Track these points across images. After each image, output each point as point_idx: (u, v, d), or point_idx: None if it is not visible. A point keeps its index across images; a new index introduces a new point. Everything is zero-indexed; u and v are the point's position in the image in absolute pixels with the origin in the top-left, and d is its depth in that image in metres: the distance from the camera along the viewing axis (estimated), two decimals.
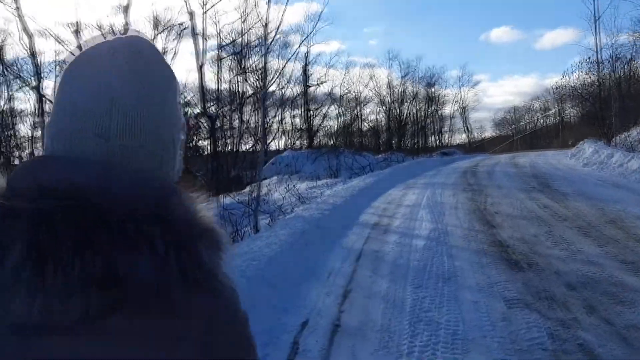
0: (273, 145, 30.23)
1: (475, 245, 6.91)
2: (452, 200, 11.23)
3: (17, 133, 23.61)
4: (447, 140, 45.07)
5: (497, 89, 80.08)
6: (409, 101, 39.40)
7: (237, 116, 25.01)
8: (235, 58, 25.92)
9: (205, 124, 20.59)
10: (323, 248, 7.04)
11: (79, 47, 0.77)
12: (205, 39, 21.82)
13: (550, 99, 47.09)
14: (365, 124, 39.10)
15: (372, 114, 40.03)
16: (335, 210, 9.62)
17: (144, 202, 0.64)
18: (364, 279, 5.69)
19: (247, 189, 13.65)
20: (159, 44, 21.90)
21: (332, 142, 31.68)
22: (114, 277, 0.59)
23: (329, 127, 35.52)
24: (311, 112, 33.32)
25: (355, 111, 37.16)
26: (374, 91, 38.48)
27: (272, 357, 3.86)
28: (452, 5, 79.10)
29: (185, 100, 21.75)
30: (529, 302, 4.61)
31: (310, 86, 32.65)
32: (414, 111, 40.31)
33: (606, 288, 4.88)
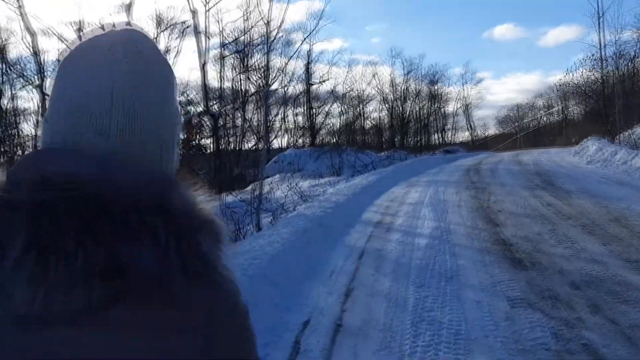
0: (276, 144, 30.24)
1: (478, 243, 6.88)
2: (455, 198, 11.19)
3: (20, 132, 23.66)
4: (450, 138, 45.01)
5: (500, 87, 80.00)
6: (411, 99, 39.36)
7: (239, 114, 25.01)
8: (238, 56, 25.92)
9: (207, 123, 20.59)
10: (325, 246, 7.01)
11: (80, 37, 0.76)
12: (208, 37, 21.85)
13: (554, 97, 47.01)
14: (367, 121, 39.10)
15: (375, 112, 39.98)
16: (337, 209, 9.59)
17: (146, 193, 0.64)
18: (366, 278, 5.66)
19: (250, 187, 13.63)
20: (162, 43, 21.90)
21: (334, 140, 31.64)
22: (116, 268, 0.59)
23: (331, 125, 35.52)
24: (314, 110, 33.31)
25: (358, 109, 37.13)
26: (376, 89, 38.47)
27: (274, 357, 3.84)
28: (455, 3, 79.03)
29: (188, 98, 21.76)
30: (533, 302, 4.58)
31: (312, 84, 32.63)
32: (417, 109, 40.25)
33: (610, 287, 4.84)
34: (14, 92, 23.21)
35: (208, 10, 21.65)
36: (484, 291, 4.95)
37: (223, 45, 25.24)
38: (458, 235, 7.46)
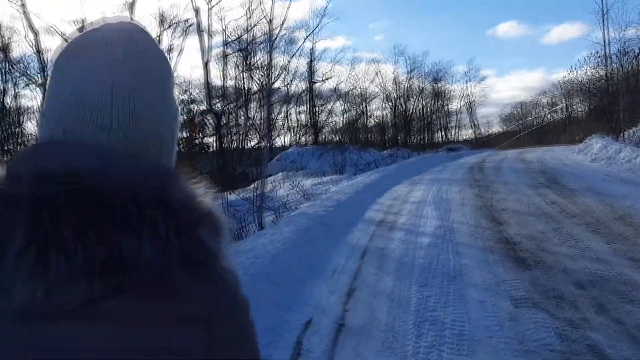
0: (278, 142, 30.20)
1: (482, 242, 6.82)
2: (459, 196, 11.13)
3: (23, 130, 23.67)
4: (453, 136, 44.82)
5: (503, 84, 79.62)
6: (415, 97, 39.21)
7: (242, 113, 24.97)
8: (241, 55, 25.88)
9: (210, 121, 20.56)
10: (327, 245, 6.97)
11: (80, 29, 0.76)
12: (211, 35, 21.80)
13: (558, 94, 46.78)
14: (371, 120, 38.97)
15: (378, 110, 39.92)
16: (340, 207, 9.55)
17: (146, 186, 0.63)
18: (369, 277, 5.62)
19: (253, 185, 13.60)
20: (165, 41, 21.88)
21: (337, 139, 31.58)
22: (117, 262, 0.59)
23: (334, 123, 35.46)
24: (317, 108, 33.26)
25: (361, 107, 37.06)
26: (379, 87, 38.36)
27: (275, 357, 3.81)
28: (458, 0, 78.72)
29: (191, 97, 21.72)
30: (537, 301, 4.53)
31: (315, 82, 32.58)
32: (420, 107, 40.11)
33: (615, 286, 4.79)
34: (17, 90, 23.23)
35: (211, 8, 21.61)
36: (487, 291, 4.90)
37: (226, 44, 25.22)
38: (461, 234, 7.41)
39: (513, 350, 3.66)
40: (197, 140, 20.44)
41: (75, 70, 0.70)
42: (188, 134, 18.84)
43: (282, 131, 31.50)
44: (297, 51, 27.99)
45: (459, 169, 18.06)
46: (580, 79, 32.01)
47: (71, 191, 0.60)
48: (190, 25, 22.00)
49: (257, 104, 25.44)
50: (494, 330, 3.99)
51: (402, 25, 75.62)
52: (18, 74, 22.07)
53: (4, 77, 22.66)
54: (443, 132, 44.12)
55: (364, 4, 73.95)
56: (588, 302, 4.45)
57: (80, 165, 0.62)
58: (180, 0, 38.72)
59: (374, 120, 39.15)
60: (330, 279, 5.58)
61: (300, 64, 30.50)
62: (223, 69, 25.37)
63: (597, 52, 27.53)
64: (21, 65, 21.02)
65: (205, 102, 21.39)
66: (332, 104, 34.23)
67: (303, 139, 32.29)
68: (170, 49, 22.46)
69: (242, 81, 26.36)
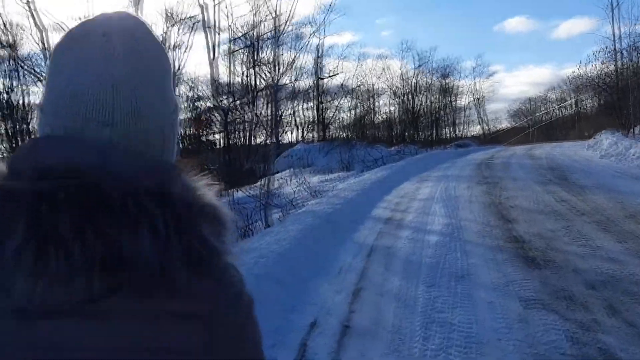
0: (286, 139, 30.12)
1: (490, 241, 6.73)
2: (467, 193, 11.02)
3: (31, 127, 23.75)
4: (461, 132, 44.62)
5: (512, 80, 79.29)
6: (422, 93, 38.99)
7: (249, 109, 24.91)
8: (248, 51, 25.79)
9: (218, 118, 20.53)
10: (334, 243, 6.90)
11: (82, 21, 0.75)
12: (217, 32, 21.73)
13: (567, 90, 46.40)
14: (378, 116, 38.80)
15: (385, 106, 39.70)
16: (347, 205, 9.47)
17: (146, 181, 0.63)
18: (375, 276, 5.55)
19: (260, 182, 13.55)
20: (172, 38, 21.82)
21: (344, 135, 31.47)
22: (116, 259, 0.58)
23: (341, 119, 35.32)
24: (324, 104, 33.13)
25: (368, 103, 36.89)
26: (387, 83, 38.17)
27: (280, 359, 3.74)
28: None
29: (198, 94, 21.70)
30: (547, 302, 4.44)
31: (322, 78, 32.45)
32: (428, 103, 39.88)
33: (627, 287, 4.69)
34: (24, 88, 23.29)
35: (217, 3, 21.54)
36: (496, 291, 4.82)
37: (232, 40, 25.13)
38: (469, 232, 7.31)
39: (522, 353, 3.58)
40: (204, 138, 20.43)
41: (71, 62, 0.69)
42: (195, 131, 18.82)
43: (289, 128, 31.45)
44: (303, 47, 27.89)
45: (467, 166, 17.93)
46: (589, 74, 31.74)
47: (71, 187, 0.59)
48: (197, 22, 21.97)
49: (264, 100, 25.38)
50: (503, 333, 3.90)
51: (410, 20, 75.33)
52: (26, 71, 22.11)
53: (11, 74, 22.72)
54: (451, 128, 43.91)
55: (371, 0, 73.63)
56: (599, 303, 4.36)
57: (80, 160, 0.62)
58: None
59: (382, 117, 39.02)
60: (336, 278, 5.51)
61: (307, 60, 30.41)
62: (229, 65, 25.31)
63: (606, 47, 27.25)
64: (28, 62, 21.04)
65: (212, 99, 21.36)
66: (339, 100, 34.12)
67: (310, 135, 32.21)
68: (176, 46, 22.42)
69: (249, 77, 26.28)
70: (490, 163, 18.47)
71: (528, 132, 45.23)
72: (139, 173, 0.63)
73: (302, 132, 32.84)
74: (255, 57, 25.24)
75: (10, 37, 19.26)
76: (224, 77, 25.13)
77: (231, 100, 22.53)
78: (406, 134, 37.12)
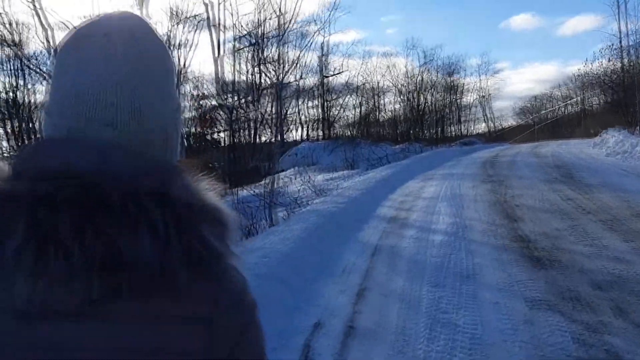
0: (290, 137, 30.11)
1: (496, 240, 6.69)
2: (472, 192, 10.97)
3: (37, 126, 23.82)
4: (466, 130, 44.43)
5: (518, 77, 78.86)
6: (428, 90, 38.86)
7: (253, 107, 24.90)
8: (253, 49, 25.76)
9: (222, 116, 20.53)
10: (338, 242, 6.88)
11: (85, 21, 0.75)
12: (222, 30, 21.70)
13: (572, 87, 46.14)
14: (383, 114, 38.70)
15: (390, 104, 39.59)
16: (351, 203, 9.44)
17: (146, 182, 0.62)
18: (380, 276, 5.52)
19: (264, 181, 13.54)
20: (177, 36, 21.81)
21: (349, 133, 31.40)
22: (116, 260, 0.58)
23: (346, 117, 35.25)
24: (328, 102, 33.08)
25: (373, 101, 36.80)
26: (392, 81, 38.05)
27: None
28: None
29: (203, 92, 21.69)
30: (552, 303, 4.40)
31: (327, 76, 32.38)
32: (433, 101, 39.74)
33: (634, 287, 4.64)
34: (30, 86, 23.34)
35: (222, 2, 21.51)
36: (501, 291, 4.78)
37: (237, 39, 25.11)
38: (474, 231, 7.27)
39: (528, 355, 3.54)
40: (208, 136, 20.43)
41: (74, 62, 0.69)
42: (199, 130, 18.82)
43: (294, 126, 31.43)
44: (308, 44, 27.88)
45: (473, 164, 17.86)
46: (595, 72, 31.56)
47: (71, 187, 0.59)
48: (202, 20, 21.93)
49: (269, 98, 25.35)
50: (508, 334, 3.87)
51: (415, 18, 74.99)
52: (32, 70, 22.17)
53: (17, 73, 22.78)
54: (456, 126, 43.75)
55: None
56: (606, 304, 4.31)
57: (80, 162, 0.62)
58: None
59: (386, 115, 38.91)
60: (340, 278, 5.48)
61: (312, 58, 30.31)
62: (234, 63, 25.28)
63: (612, 45, 27.10)
64: (34, 61, 21.09)
65: (216, 97, 21.35)
66: (344, 98, 34.05)
67: (315, 133, 32.16)
68: (181, 45, 22.41)
69: (254, 76, 26.25)
70: (496, 161, 18.39)
71: (533, 129, 45.01)
72: (139, 173, 0.63)
73: (307, 130, 32.84)
74: (260, 55, 25.21)
75: (15, 35, 19.30)
76: (228, 76, 25.12)
77: (236, 99, 22.51)
78: (411, 132, 37.02)
